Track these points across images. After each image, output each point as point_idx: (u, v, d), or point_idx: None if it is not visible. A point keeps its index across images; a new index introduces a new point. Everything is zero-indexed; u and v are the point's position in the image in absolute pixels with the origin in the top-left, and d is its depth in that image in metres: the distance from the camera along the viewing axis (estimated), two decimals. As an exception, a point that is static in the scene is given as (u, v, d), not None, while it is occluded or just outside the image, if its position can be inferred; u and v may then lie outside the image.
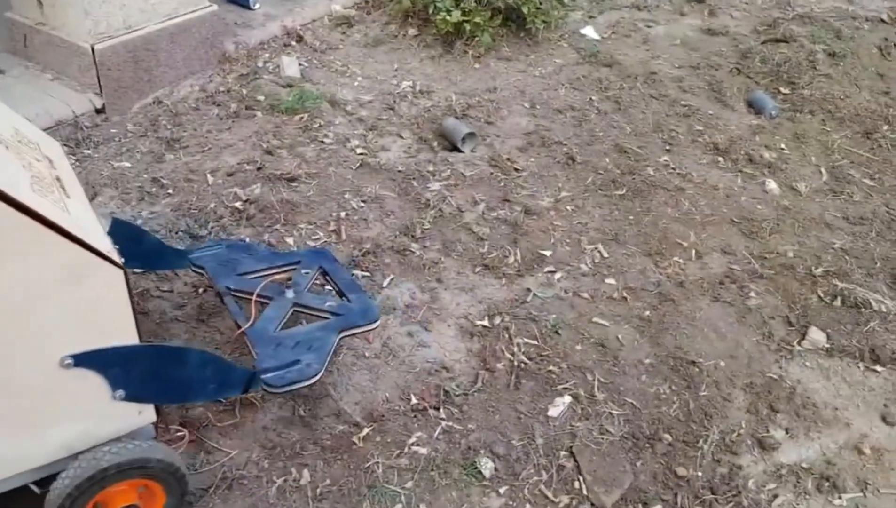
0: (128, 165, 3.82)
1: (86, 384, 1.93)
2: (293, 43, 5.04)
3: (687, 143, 4.40)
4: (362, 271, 3.26)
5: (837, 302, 3.31)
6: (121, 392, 1.99)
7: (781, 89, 5.00)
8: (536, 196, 3.85)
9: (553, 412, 2.71)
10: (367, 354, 2.89)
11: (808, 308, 3.28)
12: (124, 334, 1.95)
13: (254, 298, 2.64)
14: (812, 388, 2.93)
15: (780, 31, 5.69)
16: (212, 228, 3.43)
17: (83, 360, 1.89)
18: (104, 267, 1.84)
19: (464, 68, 5.02)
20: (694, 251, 3.57)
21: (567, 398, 2.75)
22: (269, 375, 2.32)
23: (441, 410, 2.68)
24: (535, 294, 3.24)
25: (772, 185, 4.09)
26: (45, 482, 2.03)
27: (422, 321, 3.05)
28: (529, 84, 4.88)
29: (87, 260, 1.80)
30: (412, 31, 5.32)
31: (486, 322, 3.08)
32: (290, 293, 2.69)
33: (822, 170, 4.28)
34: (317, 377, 2.36)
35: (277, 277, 2.81)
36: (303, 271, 2.84)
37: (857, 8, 6.25)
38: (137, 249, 2.61)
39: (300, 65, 4.81)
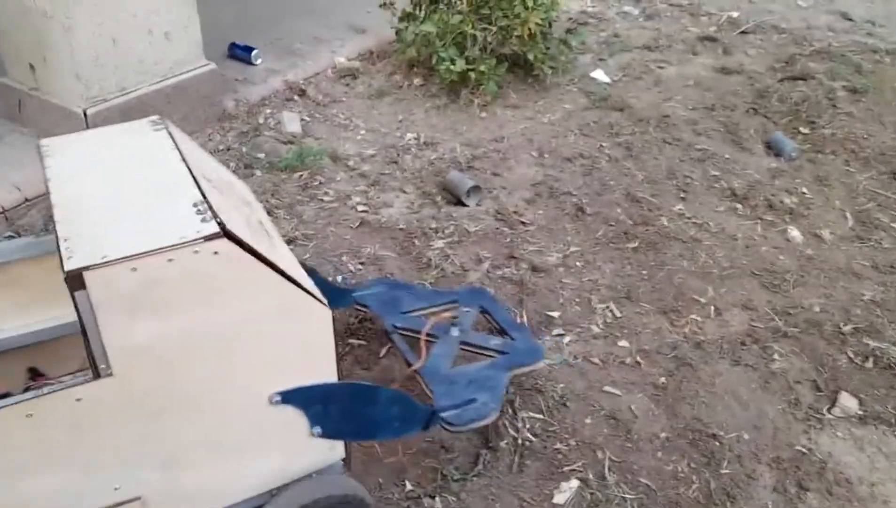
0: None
1: (287, 421, 1.95)
2: (295, 98, 4.95)
3: (703, 190, 4.19)
4: (357, 339, 3.09)
5: (869, 363, 3.07)
6: (318, 429, 2.00)
7: (801, 129, 4.79)
8: (544, 252, 3.67)
9: (559, 498, 2.48)
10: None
11: (837, 371, 3.04)
12: (327, 372, 1.97)
13: (423, 336, 2.70)
14: (845, 462, 2.69)
15: (798, 67, 5.51)
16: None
17: (290, 397, 1.91)
18: (314, 306, 1.86)
19: (470, 118, 4.88)
20: (712, 308, 3.35)
21: (574, 483, 2.53)
22: (447, 413, 2.34)
23: (437, 498, 2.47)
24: (542, 361, 3.04)
25: (794, 233, 3.87)
26: None
27: (421, 394, 2.86)
28: (537, 132, 4.73)
29: (299, 299, 1.82)
30: (417, 81, 5.22)
31: (488, 394, 2.88)
32: (455, 332, 2.73)
33: (848, 215, 4.04)
34: (494, 417, 2.39)
35: (442, 315, 2.86)
36: (463, 309, 2.89)
37: (877, 41, 6.06)
38: None
39: (302, 120, 4.71)
